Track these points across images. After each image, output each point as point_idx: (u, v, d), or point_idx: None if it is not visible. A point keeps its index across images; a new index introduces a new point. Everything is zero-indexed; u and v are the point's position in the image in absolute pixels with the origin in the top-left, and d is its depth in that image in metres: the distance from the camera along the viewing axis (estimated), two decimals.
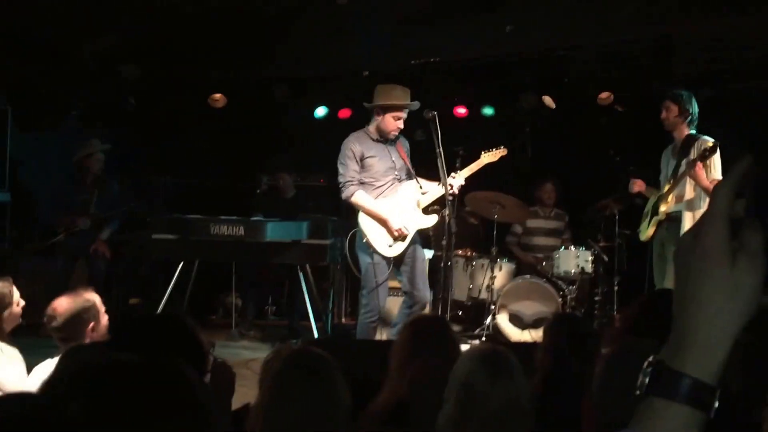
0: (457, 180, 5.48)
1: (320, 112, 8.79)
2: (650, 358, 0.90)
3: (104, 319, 3.41)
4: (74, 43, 7.23)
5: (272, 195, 8.03)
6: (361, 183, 5.49)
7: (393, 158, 5.53)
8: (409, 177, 5.62)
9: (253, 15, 7.06)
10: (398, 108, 5.48)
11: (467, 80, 7.97)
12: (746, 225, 0.87)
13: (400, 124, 5.49)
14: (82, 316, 3.30)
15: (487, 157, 5.69)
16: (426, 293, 5.57)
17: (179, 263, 6.71)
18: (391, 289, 6.13)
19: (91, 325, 3.31)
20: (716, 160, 5.37)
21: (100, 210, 7.16)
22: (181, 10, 6.77)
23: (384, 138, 5.55)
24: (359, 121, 8.72)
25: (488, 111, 8.42)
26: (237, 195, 8.44)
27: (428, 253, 6.53)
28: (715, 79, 6.81)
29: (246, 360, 6.16)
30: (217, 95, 8.57)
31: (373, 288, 5.45)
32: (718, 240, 0.86)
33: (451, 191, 5.36)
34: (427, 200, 5.56)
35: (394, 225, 5.37)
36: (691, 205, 5.48)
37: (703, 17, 5.91)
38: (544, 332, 3.26)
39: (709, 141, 5.40)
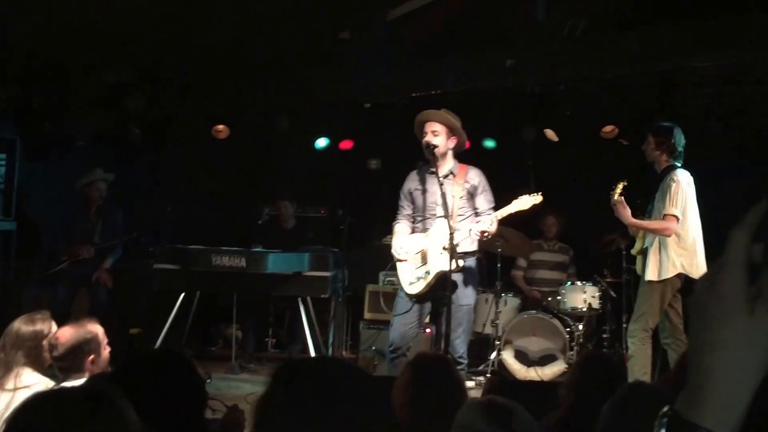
0: (480, 225, 5.00)
1: (321, 143, 8.80)
2: (665, 409, 0.87)
3: (105, 351, 3.40)
4: (81, 74, 7.28)
5: (272, 226, 8.00)
6: (412, 216, 5.40)
7: (441, 193, 5.10)
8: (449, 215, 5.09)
9: (256, 47, 7.10)
10: (423, 122, 5.24)
11: (468, 113, 7.96)
12: (765, 271, 0.84)
13: (428, 138, 5.14)
14: (82, 348, 3.29)
15: (517, 204, 5.08)
16: (454, 342, 5.06)
17: (180, 293, 6.69)
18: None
19: (91, 357, 3.31)
20: (676, 191, 5.17)
21: (103, 239, 7.19)
22: (185, 43, 6.81)
23: (434, 168, 5.20)
24: (360, 153, 8.80)
25: (490, 144, 8.39)
26: (237, 225, 8.42)
27: None
28: (719, 114, 6.78)
29: (246, 394, 6.09)
30: (220, 126, 8.59)
31: (393, 321, 5.38)
32: (736, 286, 0.83)
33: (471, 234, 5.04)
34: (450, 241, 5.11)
35: (393, 251, 5.28)
36: (652, 241, 5.33)
37: (707, 52, 5.91)
38: (573, 369, 3.17)
39: (671, 174, 5.23)
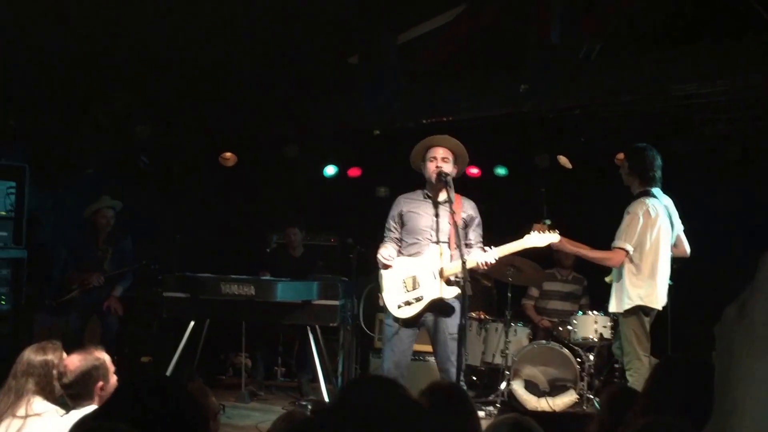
0: (488, 256, 4.94)
1: (330, 170, 8.77)
2: None
3: (113, 378, 3.45)
4: (90, 102, 7.30)
5: (281, 253, 7.97)
6: (400, 240, 5.28)
7: (436, 219, 5.09)
8: (445, 242, 5.08)
9: (263, 74, 7.10)
10: (429, 147, 5.17)
11: (480, 139, 7.89)
12: None
13: (440, 164, 5.06)
14: (92, 374, 3.36)
15: (533, 240, 4.96)
16: (449, 372, 4.99)
17: (190, 321, 6.65)
18: (417, 353, 5.89)
19: (100, 384, 3.37)
20: (628, 224, 5.05)
21: (113, 267, 7.22)
22: (192, 70, 6.82)
23: (435, 194, 5.16)
24: (369, 180, 8.76)
25: (501, 171, 8.31)
26: (246, 253, 8.38)
27: None
28: (738, 139, 6.66)
29: (256, 422, 6.05)
30: (228, 154, 8.59)
31: (384, 350, 5.28)
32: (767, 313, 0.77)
33: (478, 265, 4.95)
34: (450, 269, 4.99)
35: (379, 256, 5.16)
36: (616, 271, 5.25)
37: (725, 75, 5.81)
38: (602, 403, 3.10)
39: (630, 205, 5.11)
